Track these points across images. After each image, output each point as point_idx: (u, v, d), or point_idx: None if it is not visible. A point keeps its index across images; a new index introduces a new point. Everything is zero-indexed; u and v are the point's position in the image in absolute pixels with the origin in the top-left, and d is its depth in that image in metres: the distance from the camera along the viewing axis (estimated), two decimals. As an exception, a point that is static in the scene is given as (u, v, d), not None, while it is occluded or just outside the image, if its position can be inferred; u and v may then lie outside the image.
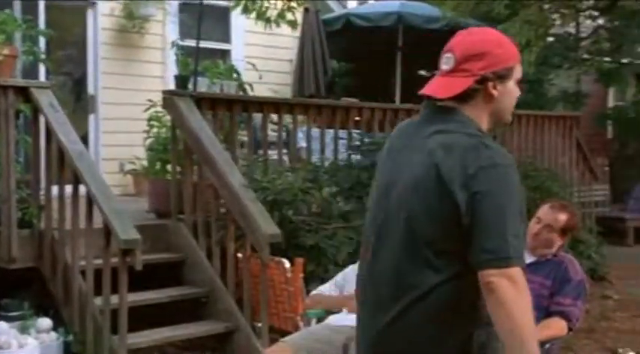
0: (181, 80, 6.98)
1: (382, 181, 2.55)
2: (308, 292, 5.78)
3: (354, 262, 5.47)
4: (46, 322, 5.66)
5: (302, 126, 7.55)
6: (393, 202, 2.45)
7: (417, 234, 2.36)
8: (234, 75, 8.59)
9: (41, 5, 8.89)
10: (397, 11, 10.78)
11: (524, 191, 2.80)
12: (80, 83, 9.71)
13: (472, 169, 2.28)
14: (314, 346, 4.51)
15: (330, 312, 5.01)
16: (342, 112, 7.65)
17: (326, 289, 5.12)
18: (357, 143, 7.56)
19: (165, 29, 9.99)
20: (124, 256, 5.11)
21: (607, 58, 13.10)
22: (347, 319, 4.72)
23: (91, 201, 5.42)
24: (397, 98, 11.27)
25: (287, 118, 7.51)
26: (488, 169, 2.29)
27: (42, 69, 8.60)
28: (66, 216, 5.71)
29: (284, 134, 7.48)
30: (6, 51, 6.27)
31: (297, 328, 5.67)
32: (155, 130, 7.35)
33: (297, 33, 10.55)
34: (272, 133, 7.52)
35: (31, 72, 7.94)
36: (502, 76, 2.47)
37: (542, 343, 3.99)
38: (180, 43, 8.95)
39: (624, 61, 13.65)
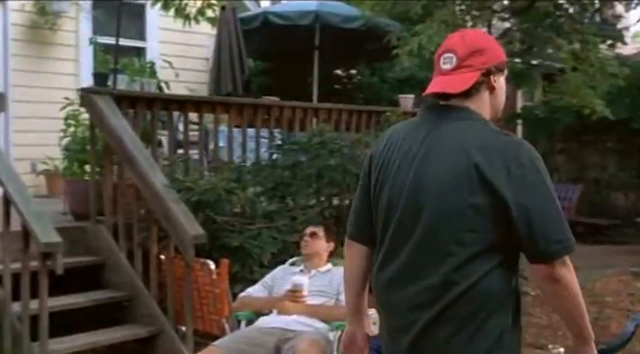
0: (100, 78, 6.78)
1: (398, 183, 2.55)
2: (233, 294, 5.70)
3: (281, 263, 5.43)
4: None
5: (221, 125, 7.44)
6: (419, 203, 2.47)
7: (454, 233, 2.41)
8: (144, 73, 8.41)
9: (-53, 0, 8.56)
10: (315, 10, 10.73)
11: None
12: (-11, 81, 9.38)
13: (514, 167, 2.38)
14: (245, 349, 4.44)
15: (259, 314, 4.93)
16: (263, 110, 7.58)
17: (254, 290, 5.04)
18: (279, 142, 7.49)
19: (78, 26, 9.73)
20: (44, 260, 4.92)
21: (517, 60, 13.37)
22: (277, 320, 4.67)
23: (8, 202, 5.20)
24: (315, 97, 11.24)
25: (206, 117, 7.39)
26: (529, 165, 2.40)
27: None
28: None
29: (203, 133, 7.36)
30: None
31: (223, 331, 5.58)
32: (72, 129, 7.13)
33: (214, 31, 10.42)
34: (192, 133, 7.40)
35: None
36: (500, 70, 2.60)
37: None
38: (96, 40, 8.74)
39: (534, 62, 13.94)
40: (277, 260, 6.42)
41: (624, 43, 12.99)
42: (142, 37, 10.63)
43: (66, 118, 7.23)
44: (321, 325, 4.65)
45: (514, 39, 11.36)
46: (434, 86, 2.54)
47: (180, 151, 7.27)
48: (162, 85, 8.83)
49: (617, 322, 7.13)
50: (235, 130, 7.39)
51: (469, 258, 2.41)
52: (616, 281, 9.20)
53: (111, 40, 8.98)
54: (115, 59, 7.48)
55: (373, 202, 2.66)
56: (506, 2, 11.72)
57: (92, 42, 8.30)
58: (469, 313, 2.42)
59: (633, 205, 14.04)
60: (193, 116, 7.33)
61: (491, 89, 2.58)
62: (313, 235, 5.01)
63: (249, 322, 4.92)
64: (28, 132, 9.03)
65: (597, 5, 12.50)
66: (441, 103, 2.57)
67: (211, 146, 7.55)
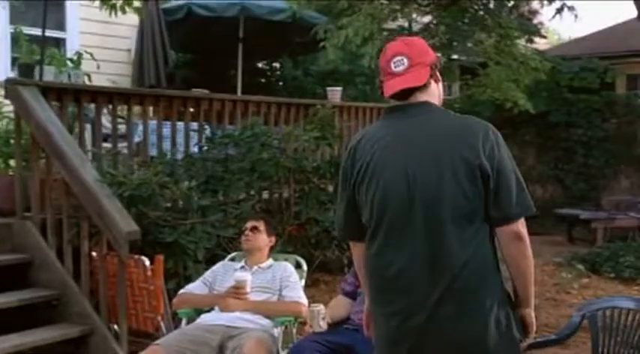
0: (26, 69, 6.52)
1: (394, 173, 2.75)
2: (167, 290, 5.57)
3: (216, 258, 5.34)
4: None
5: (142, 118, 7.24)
6: (415, 192, 2.72)
7: (455, 211, 2.68)
8: (71, 64, 8.15)
9: None
10: (240, 2, 10.62)
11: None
12: None
13: (489, 144, 2.72)
14: (189, 347, 4.32)
15: (200, 311, 4.82)
16: (192, 103, 7.42)
17: (194, 287, 4.92)
18: (209, 136, 7.36)
19: (-6, 16, 9.39)
20: (-31, 259, 4.70)
21: (438, 54, 13.48)
22: (221, 317, 4.57)
23: None
24: (239, 90, 11.13)
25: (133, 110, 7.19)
26: (497, 142, 2.75)
27: None
28: None
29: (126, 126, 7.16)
30: None
31: (158, 329, 5.46)
32: (-5, 122, 6.85)
33: (136, 22, 10.20)
34: (118, 126, 7.19)
35: None
36: (438, 65, 2.96)
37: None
38: (12, 30, 8.42)
39: (455, 56, 14.10)
40: (212, 255, 6.33)
41: (543, 37, 13.21)
42: (61, 27, 10.32)
43: (-12, 111, 6.94)
44: (265, 322, 4.57)
45: (438, 33, 11.46)
46: (395, 85, 2.82)
47: (107, 144, 7.06)
48: (84, 76, 8.57)
49: (545, 312, 7.24)
50: (163, 123, 7.22)
51: (468, 231, 2.69)
52: (540, 271, 9.36)
53: (30, 31, 8.69)
54: (42, 50, 7.22)
55: (359, 199, 2.85)
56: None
57: (17, 32, 7.97)
58: (475, 282, 2.69)
59: (551, 197, 14.36)
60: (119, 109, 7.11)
61: (437, 81, 2.94)
62: (254, 229, 4.92)
63: (190, 319, 4.80)
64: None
65: (514, 1, 12.71)
66: (406, 101, 2.86)
67: (136, 139, 7.36)
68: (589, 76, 14.10)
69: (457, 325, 2.69)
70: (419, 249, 2.70)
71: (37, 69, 7.03)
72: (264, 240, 4.93)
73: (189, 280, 6.09)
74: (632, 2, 9.93)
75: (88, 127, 7.16)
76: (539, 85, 12.90)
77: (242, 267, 4.91)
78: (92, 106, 6.80)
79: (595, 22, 23.81)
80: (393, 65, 2.84)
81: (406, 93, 2.84)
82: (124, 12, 7.54)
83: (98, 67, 9.46)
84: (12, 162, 6.43)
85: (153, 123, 7.23)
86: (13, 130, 6.25)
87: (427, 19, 13.09)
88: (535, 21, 14.14)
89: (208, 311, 4.77)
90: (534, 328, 2.94)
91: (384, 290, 2.81)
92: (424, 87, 2.85)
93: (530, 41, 12.87)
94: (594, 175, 14.17)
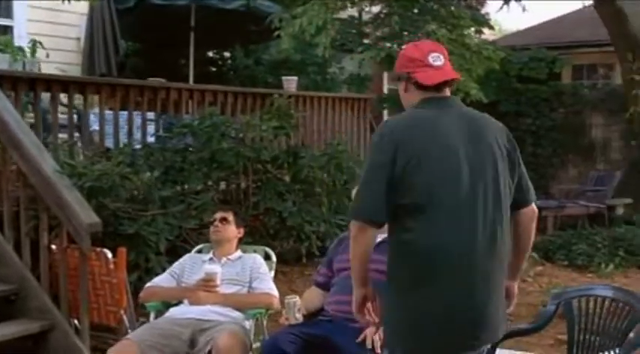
0: (-21, 57, 6.33)
1: (453, 158, 2.96)
2: (129, 283, 5.47)
3: (178, 250, 5.24)
4: None
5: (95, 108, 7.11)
6: (476, 176, 2.96)
7: (502, 197, 3.00)
8: (28, 52, 7.94)
9: None
10: (192, -10, 10.46)
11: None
12: None
13: (511, 137, 3.13)
14: (160, 341, 4.23)
15: (168, 304, 4.72)
16: (150, 92, 7.29)
17: (162, 280, 4.81)
18: (167, 125, 7.24)
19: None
20: None
21: (388, 44, 13.48)
22: (192, 311, 4.49)
23: None
24: (191, 79, 10.99)
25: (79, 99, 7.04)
26: (512, 136, 3.15)
27: None
28: None
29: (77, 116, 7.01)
30: None
31: (120, 323, 5.35)
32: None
33: (85, 10, 9.99)
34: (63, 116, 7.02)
35: None
36: None
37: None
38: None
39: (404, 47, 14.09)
40: (174, 247, 6.23)
41: (491, 28, 13.29)
42: (8, 14, 10.05)
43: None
44: (236, 314, 4.50)
45: (392, 22, 11.44)
46: (440, 76, 3.07)
47: (63, 135, 6.89)
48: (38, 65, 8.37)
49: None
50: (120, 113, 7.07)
51: (507, 214, 3.05)
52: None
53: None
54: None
55: (410, 181, 2.92)
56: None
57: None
58: (505, 263, 3.09)
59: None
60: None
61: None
62: (223, 220, 4.84)
63: (159, 312, 4.70)
64: None
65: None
66: (439, 95, 3.09)
67: (91, 129, 7.21)
68: (538, 67, 14.25)
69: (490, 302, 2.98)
70: (479, 231, 2.92)
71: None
72: (233, 231, 4.86)
73: (150, 272, 5.99)
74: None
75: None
76: (490, 75, 12.98)
77: (210, 259, 4.82)
78: (47, 95, 6.64)
79: (540, 15, 24.08)
80: (431, 59, 3.08)
81: (441, 85, 3.09)
82: (77, -1, 7.37)
83: (47, 56, 9.26)
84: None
85: (108, 113, 7.09)
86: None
87: (377, 9, 13.12)
88: (482, 12, 14.29)
89: (176, 304, 4.68)
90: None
91: (441, 268, 2.92)
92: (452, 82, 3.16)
93: (479, 32, 12.95)
94: (543, 164, 14.33)
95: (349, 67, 14.19)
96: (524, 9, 12.08)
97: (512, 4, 11.71)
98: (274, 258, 5.04)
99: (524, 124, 14.39)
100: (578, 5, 17.30)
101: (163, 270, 5.77)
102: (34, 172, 5.49)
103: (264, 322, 4.73)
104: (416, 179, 2.92)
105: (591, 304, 3.95)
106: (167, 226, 6.07)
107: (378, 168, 2.94)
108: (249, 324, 4.51)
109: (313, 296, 4.35)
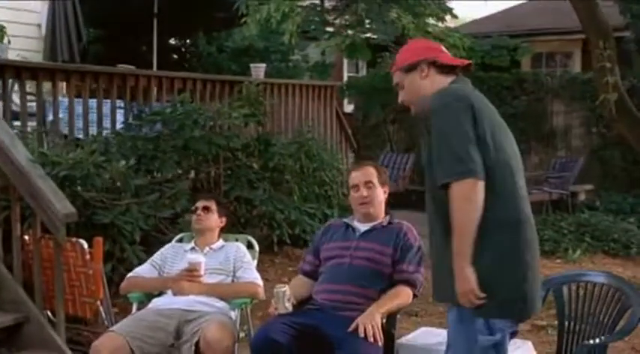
0: (-55, 43, 6.15)
1: (506, 134, 3.17)
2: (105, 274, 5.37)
3: (154, 240, 5.15)
4: None
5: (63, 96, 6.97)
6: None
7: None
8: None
9: None
10: (155, -24, 10.32)
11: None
12: None
13: None
14: (146, 333, 4.14)
15: (150, 295, 4.63)
16: (119, 79, 7.16)
17: (143, 270, 4.71)
18: (137, 113, 7.11)
19: None
20: None
21: (350, 32, 13.43)
22: (177, 301, 4.41)
23: None
24: (154, 66, 10.85)
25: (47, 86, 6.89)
26: None
27: None
28: None
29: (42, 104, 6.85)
30: None
31: (97, 314, 5.26)
32: None
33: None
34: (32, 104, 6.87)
35: None
36: None
37: (394, 313, 3.97)
38: None
39: (368, 35, 14.06)
40: (150, 237, 6.14)
41: (455, 17, 13.31)
42: (-35, 0, 9.81)
43: None
44: (220, 304, 4.42)
45: (358, 10, 11.40)
46: (463, 60, 3.39)
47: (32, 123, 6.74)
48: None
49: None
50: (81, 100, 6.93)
51: None
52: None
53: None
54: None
55: (493, 148, 3.02)
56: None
57: None
58: None
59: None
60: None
61: None
62: (206, 209, 4.75)
63: (141, 303, 4.61)
64: None
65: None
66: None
67: (50, 117, 7.07)
68: (500, 54, 14.32)
69: None
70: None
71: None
72: (215, 220, 4.78)
73: (124, 262, 5.90)
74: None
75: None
76: (452, 62, 12.98)
77: (192, 248, 4.73)
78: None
79: (496, 5, 24.29)
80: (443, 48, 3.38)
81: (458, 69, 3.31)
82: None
83: (9, 42, 9.05)
84: None
85: (77, 101, 6.96)
86: None
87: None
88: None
89: (159, 295, 4.59)
90: None
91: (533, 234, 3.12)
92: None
93: (442, 20, 12.95)
94: (506, 151, 14.40)
95: (312, 54, 14.15)
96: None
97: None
98: (257, 247, 4.98)
99: (486, 112, 14.42)
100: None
101: (139, 260, 5.69)
102: (6, 161, 5.34)
103: (249, 312, 4.67)
104: (497, 149, 3.05)
105: (581, 291, 3.96)
106: (142, 216, 5.96)
107: (467, 130, 2.98)
108: (234, 314, 4.44)
109: (300, 285, 4.30)
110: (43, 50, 10.17)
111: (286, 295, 3.99)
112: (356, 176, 4.31)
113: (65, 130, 7.04)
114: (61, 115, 7.06)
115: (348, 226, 4.28)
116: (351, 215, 4.38)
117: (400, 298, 4.03)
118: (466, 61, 3.29)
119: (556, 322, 4.13)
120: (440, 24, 12.54)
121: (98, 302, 5.23)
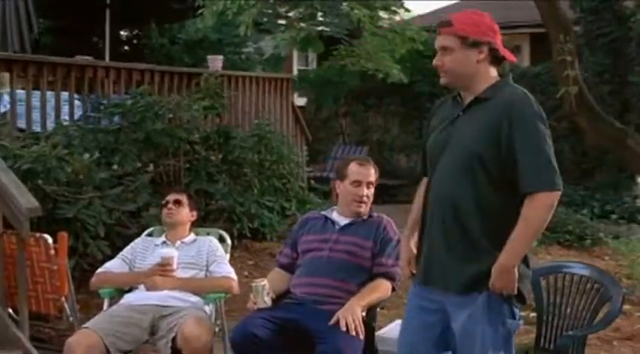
0: None
1: None
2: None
3: (118, 234, 5.04)
4: None
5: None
6: None
7: None
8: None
9: None
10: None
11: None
12: None
13: None
14: (120, 329, 4.05)
15: (121, 291, 4.53)
16: (77, 71, 7.01)
17: (114, 266, 4.60)
18: (95, 105, 6.98)
19: None
20: None
21: (303, 24, 13.38)
22: (150, 297, 4.33)
23: None
24: (107, 57, 10.67)
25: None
26: None
27: None
28: None
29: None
30: None
31: (61, 311, 5.14)
32: None
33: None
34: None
35: None
36: None
37: (374, 307, 3.95)
38: None
39: (320, 27, 14.02)
40: (108, 232, 6.02)
41: (407, 10, 13.34)
42: None
43: None
44: (194, 299, 4.35)
45: (314, 2, 11.35)
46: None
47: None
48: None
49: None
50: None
51: None
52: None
53: None
54: None
55: None
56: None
57: None
58: None
59: (415, 166, 14.62)
60: None
61: None
62: (177, 203, 4.66)
63: (113, 299, 4.51)
64: None
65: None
66: None
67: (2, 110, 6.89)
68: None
69: None
70: None
71: None
72: (187, 214, 4.69)
73: (87, 257, 5.79)
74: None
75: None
76: (403, 56, 13.02)
77: (164, 242, 4.65)
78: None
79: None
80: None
81: None
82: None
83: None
84: None
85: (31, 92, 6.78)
86: None
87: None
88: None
89: (129, 290, 4.50)
90: None
91: None
92: None
93: (394, 13, 12.98)
94: (458, 146, 14.48)
95: (265, 47, 14.07)
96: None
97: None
98: (229, 241, 4.90)
99: (439, 105, 14.48)
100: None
101: (103, 255, 5.58)
102: (-34, 155, 5.20)
103: (222, 307, 4.60)
104: None
105: (560, 282, 3.97)
106: (105, 210, 5.84)
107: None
108: (209, 309, 4.38)
109: (278, 279, 4.23)
110: (-8, 40, 9.90)
111: (265, 289, 3.94)
112: (360, 173, 4.23)
113: (20, 124, 6.86)
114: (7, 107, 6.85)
115: (327, 219, 4.24)
116: (330, 207, 4.34)
117: (380, 292, 4.01)
118: (513, 58, 3.15)
119: (532, 315, 4.14)
120: (394, 17, 12.58)
121: (63, 299, 5.10)
